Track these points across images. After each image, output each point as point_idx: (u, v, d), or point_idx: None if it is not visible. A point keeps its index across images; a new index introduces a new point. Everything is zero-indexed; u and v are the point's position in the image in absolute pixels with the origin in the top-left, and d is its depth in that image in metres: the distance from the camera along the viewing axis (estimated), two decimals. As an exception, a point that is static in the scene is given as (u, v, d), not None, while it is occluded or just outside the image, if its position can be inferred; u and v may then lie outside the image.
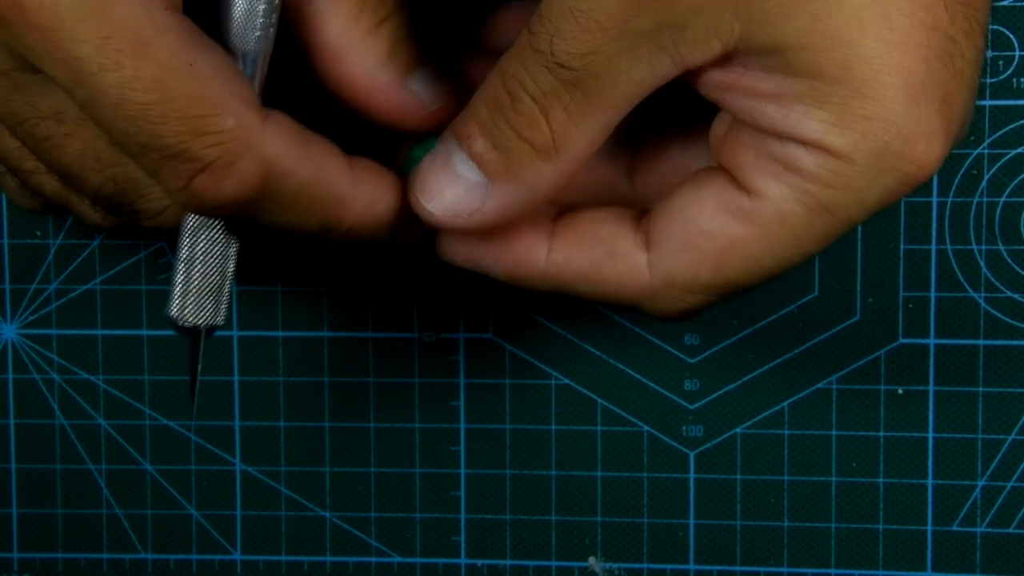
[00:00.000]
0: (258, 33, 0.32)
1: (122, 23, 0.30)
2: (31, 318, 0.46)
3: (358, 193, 0.34)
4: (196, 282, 0.34)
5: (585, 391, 0.45)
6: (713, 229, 0.32)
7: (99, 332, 0.46)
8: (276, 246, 0.45)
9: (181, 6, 0.31)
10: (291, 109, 0.33)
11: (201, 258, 0.34)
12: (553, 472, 0.45)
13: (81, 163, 0.34)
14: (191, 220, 0.34)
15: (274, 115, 0.32)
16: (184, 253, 0.34)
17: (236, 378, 0.45)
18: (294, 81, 0.34)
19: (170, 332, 0.45)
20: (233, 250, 0.34)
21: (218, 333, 0.45)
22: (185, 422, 0.46)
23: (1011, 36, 0.42)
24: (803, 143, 0.30)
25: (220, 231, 0.34)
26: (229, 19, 0.32)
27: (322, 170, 0.33)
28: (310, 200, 0.33)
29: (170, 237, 0.35)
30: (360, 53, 0.34)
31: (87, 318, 0.46)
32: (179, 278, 0.34)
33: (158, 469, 0.46)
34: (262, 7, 0.32)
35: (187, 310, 0.34)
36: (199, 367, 0.35)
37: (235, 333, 0.45)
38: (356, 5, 0.34)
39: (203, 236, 0.34)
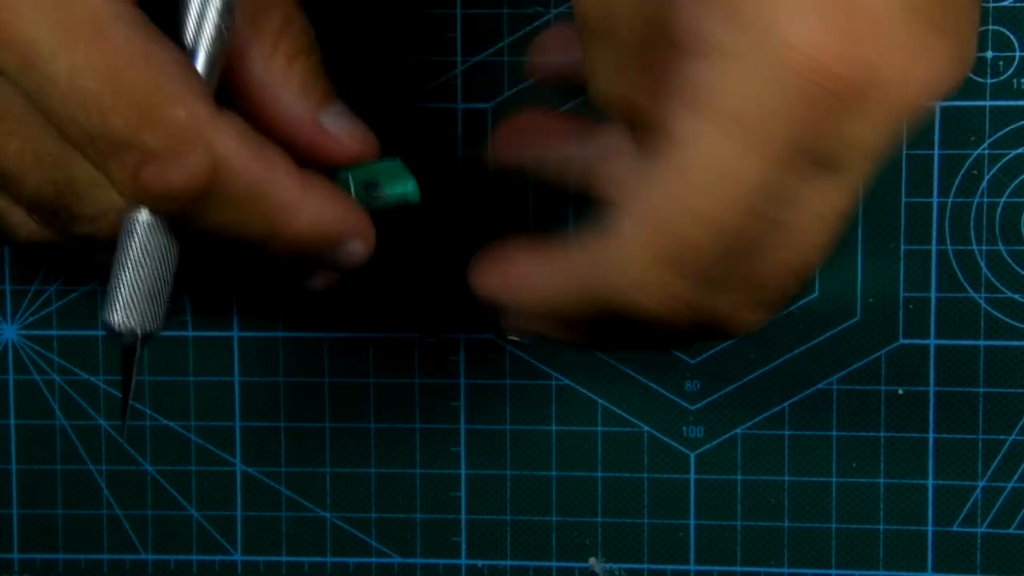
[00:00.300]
0: (213, 33, 0.32)
1: (78, 9, 0.29)
2: (31, 319, 0.46)
3: (306, 200, 0.34)
4: (134, 285, 0.33)
5: (585, 391, 0.45)
6: None
7: (99, 333, 0.46)
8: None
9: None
10: None
11: (140, 260, 0.33)
12: (553, 473, 0.45)
13: (21, 163, 0.33)
14: (133, 219, 0.33)
15: (226, 112, 0.32)
16: (124, 255, 0.33)
17: (236, 378, 0.45)
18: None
19: (170, 332, 0.45)
20: (174, 255, 0.34)
21: (218, 333, 0.45)
22: (185, 423, 0.46)
23: (1011, 36, 0.42)
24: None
25: (162, 232, 0.33)
26: (186, 17, 0.32)
27: (272, 171, 0.33)
28: (258, 201, 0.32)
29: (100, 248, 0.34)
30: (275, 87, 0.34)
31: (87, 319, 0.46)
32: (116, 281, 0.33)
33: (158, 469, 0.46)
34: (218, 6, 0.32)
35: (120, 314, 0.33)
36: (133, 377, 0.34)
37: (235, 333, 0.45)
38: (271, 43, 0.34)
39: (144, 237, 0.33)
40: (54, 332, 0.46)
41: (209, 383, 0.45)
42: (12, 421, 0.46)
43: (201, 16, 0.32)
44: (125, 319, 0.33)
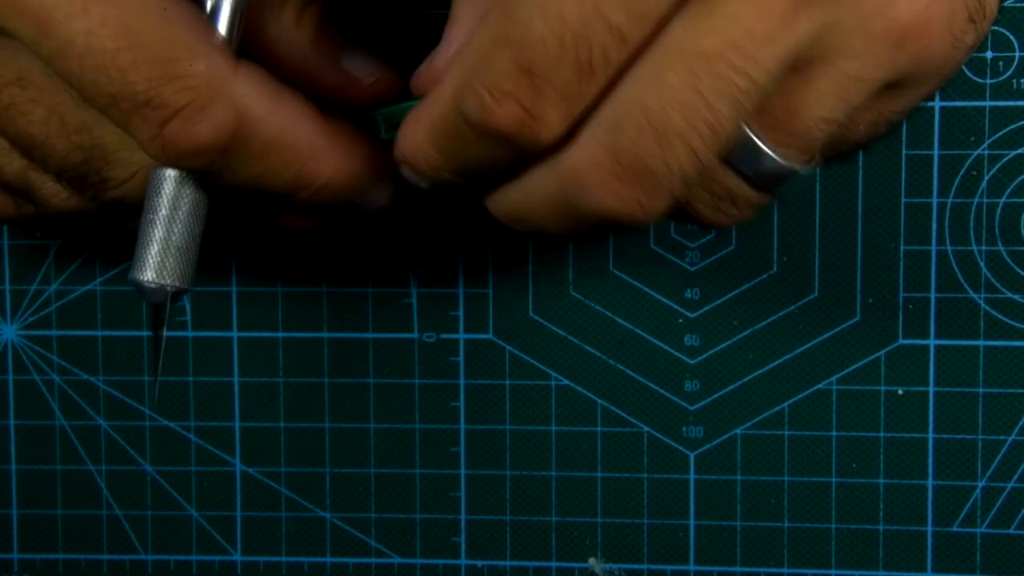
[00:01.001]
0: None
1: None
2: (31, 319, 0.46)
3: (333, 147, 0.34)
4: (165, 242, 0.33)
5: (585, 392, 0.45)
6: None
7: (99, 333, 0.46)
8: (276, 246, 0.45)
9: None
10: None
11: (169, 215, 0.33)
12: (553, 473, 0.45)
13: (47, 130, 0.34)
14: (160, 175, 0.33)
15: (245, 63, 0.32)
16: (153, 212, 0.33)
17: (236, 378, 0.45)
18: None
19: (170, 333, 0.45)
20: (203, 211, 0.33)
21: (218, 333, 0.45)
22: (185, 423, 0.46)
23: (1011, 37, 0.42)
24: None
25: (191, 187, 0.33)
26: None
27: (296, 120, 0.33)
28: (283, 151, 0.33)
29: (133, 214, 0.34)
30: (290, 39, 0.35)
31: (87, 319, 0.46)
32: (146, 238, 0.33)
33: (158, 470, 0.46)
34: None
35: (152, 271, 0.33)
36: (163, 333, 0.34)
37: (235, 333, 0.45)
38: (279, 1, 0.34)
39: (172, 193, 0.33)
40: (54, 332, 0.46)
41: (209, 383, 0.45)
42: (12, 421, 0.46)
43: None
44: (156, 277, 0.33)
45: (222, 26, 0.33)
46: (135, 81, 0.30)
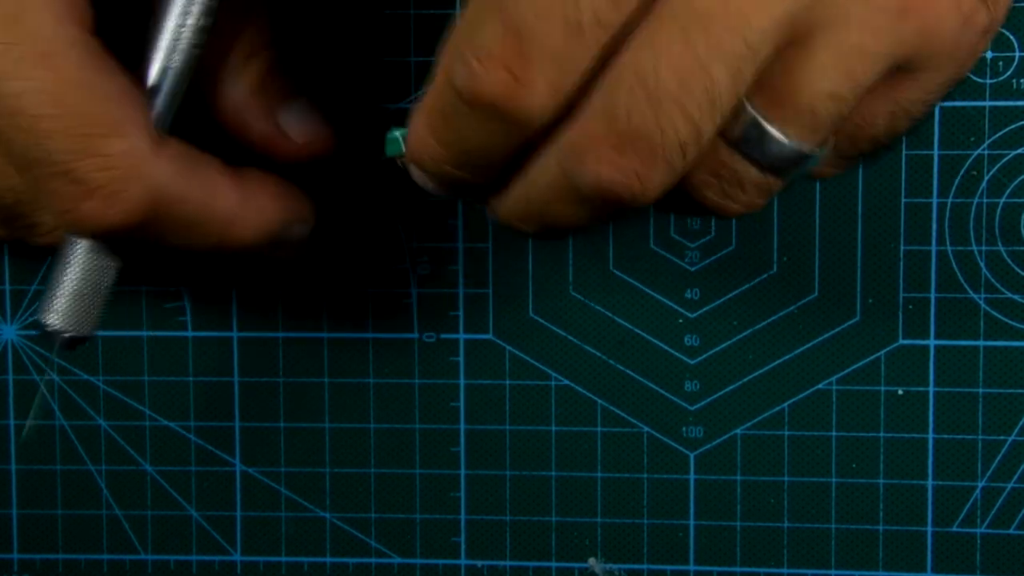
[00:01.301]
0: (183, 57, 0.33)
1: (29, 32, 0.30)
2: (31, 318, 0.46)
3: (248, 211, 0.34)
4: (71, 296, 0.34)
5: (585, 392, 0.45)
6: None
7: (99, 332, 0.46)
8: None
9: (93, 26, 0.31)
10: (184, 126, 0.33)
11: (78, 277, 0.34)
12: (553, 473, 0.45)
13: None
14: (73, 243, 0.34)
15: (167, 140, 0.32)
16: (63, 271, 0.34)
17: (236, 378, 0.45)
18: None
19: (171, 332, 0.45)
20: (112, 272, 0.35)
21: (218, 333, 0.45)
22: (185, 423, 0.46)
23: (1011, 37, 0.42)
24: None
25: (101, 255, 0.34)
26: (156, 36, 0.33)
27: (213, 193, 0.33)
28: (201, 224, 0.33)
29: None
30: (230, 83, 0.35)
31: (87, 319, 0.46)
32: (55, 289, 0.34)
33: (158, 470, 0.46)
34: (189, 23, 0.33)
35: (55, 315, 0.34)
36: (48, 380, 0.35)
37: (235, 333, 0.45)
38: (227, 41, 0.35)
39: (82, 260, 0.34)
40: (54, 332, 0.46)
41: (209, 383, 0.45)
42: (12, 421, 0.46)
43: (175, 39, 0.33)
44: (59, 322, 0.34)
45: (161, 99, 0.33)
46: (54, 150, 0.30)
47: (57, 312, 0.34)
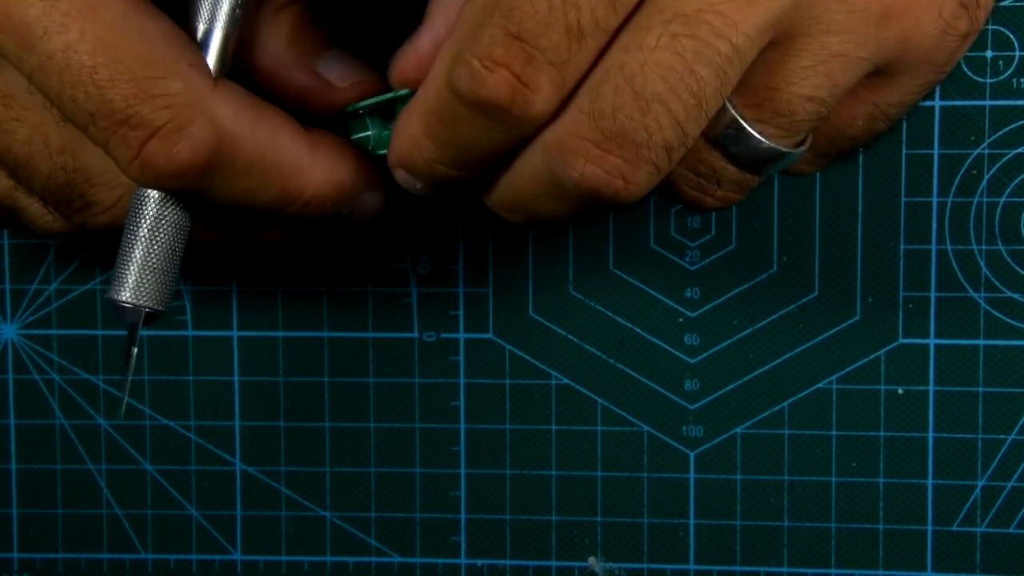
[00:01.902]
0: (227, 12, 0.32)
1: None
2: (31, 318, 0.46)
3: (316, 161, 0.33)
4: (144, 264, 0.33)
5: (585, 391, 0.45)
6: None
7: (99, 332, 0.46)
8: (274, 247, 0.45)
9: None
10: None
11: (149, 237, 0.33)
12: (553, 472, 0.45)
13: (29, 150, 0.33)
14: (142, 196, 0.33)
15: (224, 82, 0.32)
16: (134, 233, 0.33)
17: (236, 378, 0.45)
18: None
19: (170, 332, 0.45)
20: (185, 232, 0.33)
21: (218, 333, 0.45)
22: (185, 422, 0.46)
23: (1011, 36, 0.42)
24: None
25: (172, 208, 0.33)
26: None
27: (277, 136, 0.32)
28: (266, 168, 0.32)
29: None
30: (264, 37, 0.34)
31: (87, 318, 0.46)
32: (126, 258, 0.33)
33: (158, 469, 0.46)
34: None
35: (129, 291, 0.33)
36: (133, 355, 0.34)
37: (235, 333, 0.45)
38: None
39: (154, 215, 0.33)
40: (54, 332, 0.46)
41: (209, 383, 0.45)
42: (12, 421, 0.46)
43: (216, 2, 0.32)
44: (132, 297, 0.33)
45: (212, 50, 0.32)
46: (113, 99, 0.30)
47: (131, 287, 0.32)
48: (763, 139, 0.31)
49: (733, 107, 0.31)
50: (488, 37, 0.28)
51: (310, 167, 0.33)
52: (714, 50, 0.28)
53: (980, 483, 0.44)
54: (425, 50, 0.32)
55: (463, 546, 0.46)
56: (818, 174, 0.43)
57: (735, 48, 0.28)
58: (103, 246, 0.45)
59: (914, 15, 0.31)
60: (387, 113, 0.35)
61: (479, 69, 0.28)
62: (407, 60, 0.33)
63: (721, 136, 0.31)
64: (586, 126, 0.29)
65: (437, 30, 0.32)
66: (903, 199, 0.43)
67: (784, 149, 0.32)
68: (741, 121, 0.31)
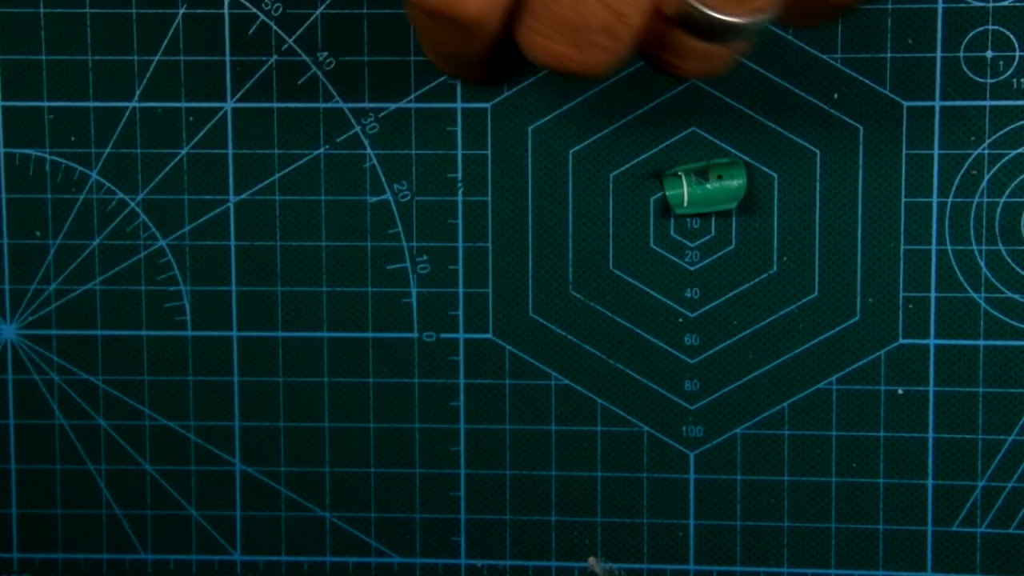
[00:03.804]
0: None
1: None
2: (31, 318, 0.46)
3: None
4: None
5: (585, 391, 0.45)
6: None
7: (99, 332, 0.46)
8: (276, 246, 0.45)
9: None
10: None
11: None
12: (553, 472, 0.45)
13: None
14: None
15: None
16: None
17: (236, 378, 0.45)
18: None
19: (169, 332, 0.45)
20: None
21: (218, 333, 0.45)
22: (184, 422, 0.46)
23: (1011, 36, 0.42)
24: None
25: None
26: None
27: None
28: None
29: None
30: None
31: (87, 318, 0.45)
32: None
33: (158, 469, 0.46)
34: None
35: None
36: None
37: (235, 333, 0.45)
38: None
39: None
40: (53, 332, 0.46)
41: (209, 383, 0.45)
42: (12, 421, 0.46)
43: None
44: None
45: None
46: None
47: None
48: (712, 14, 0.31)
49: None
50: None
51: None
52: None
53: (980, 483, 0.44)
54: None
55: (463, 546, 0.46)
56: (818, 174, 0.43)
57: None
58: (103, 247, 0.45)
59: None
60: (702, 174, 0.40)
61: None
62: None
63: (678, 15, 0.31)
64: (531, 19, 0.30)
65: None
66: (903, 199, 0.43)
67: (744, 22, 0.31)
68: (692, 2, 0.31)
